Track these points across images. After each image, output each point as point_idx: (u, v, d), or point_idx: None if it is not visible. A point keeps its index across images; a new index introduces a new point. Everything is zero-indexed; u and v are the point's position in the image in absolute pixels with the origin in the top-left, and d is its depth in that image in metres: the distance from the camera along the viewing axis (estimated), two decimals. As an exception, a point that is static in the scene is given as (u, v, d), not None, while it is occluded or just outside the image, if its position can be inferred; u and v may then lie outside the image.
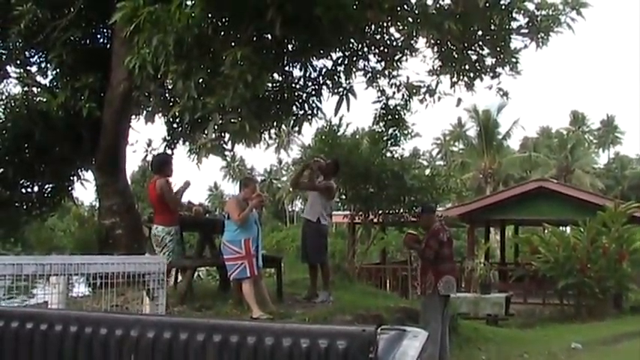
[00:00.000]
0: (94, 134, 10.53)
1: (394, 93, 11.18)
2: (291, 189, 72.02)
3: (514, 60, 9.82)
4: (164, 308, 5.54)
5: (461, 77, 10.27)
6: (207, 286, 12.14)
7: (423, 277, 8.58)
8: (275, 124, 11.15)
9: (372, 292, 13.22)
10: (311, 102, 10.52)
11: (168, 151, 11.53)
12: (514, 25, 9.47)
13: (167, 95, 10.17)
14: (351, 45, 10.14)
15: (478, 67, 10.06)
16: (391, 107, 11.36)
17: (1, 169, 11.24)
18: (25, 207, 11.92)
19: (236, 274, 8.24)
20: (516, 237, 25.48)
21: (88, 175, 12.15)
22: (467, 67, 10.09)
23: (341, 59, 10.22)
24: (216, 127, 8.64)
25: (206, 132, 9.00)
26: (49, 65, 10.73)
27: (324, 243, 10.12)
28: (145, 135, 11.99)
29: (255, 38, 8.05)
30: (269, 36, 8.18)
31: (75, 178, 12.19)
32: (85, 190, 14.01)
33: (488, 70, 10.09)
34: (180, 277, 9.86)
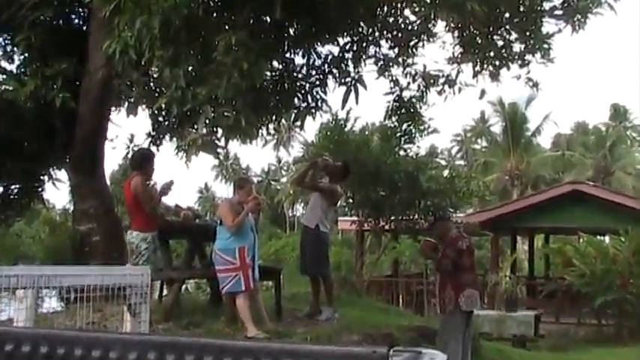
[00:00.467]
0: (68, 128, 10.52)
1: (409, 83, 11.18)
2: (291, 190, 71.96)
3: (546, 46, 9.80)
4: (147, 326, 5.54)
5: (485, 66, 10.27)
6: (197, 300, 12.11)
7: (442, 292, 8.55)
8: (274, 118, 11.14)
9: (383, 308, 13.19)
10: (315, 93, 10.53)
11: (153, 148, 11.52)
12: (546, 5, 9.46)
13: (152, 85, 10.19)
14: (360, 29, 10.15)
15: (505, 54, 10.06)
16: (405, 99, 11.35)
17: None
18: (-13, 210, 11.94)
19: (229, 287, 8.23)
20: (547, 247, 25.44)
21: (61, 174, 12.15)
22: (492, 54, 10.09)
23: (349, 45, 10.23)
24: (207, 121, 8.64)
25: (196, 126, 9.01)
26: (15, 49, 10.74)
27: (324, 253, 10.07)
28: (127, 130, 12.13)
29: (252, 21, 8.06)
30: (268, 19, 8.20)
31: (46, 177, 12.20)
32: (58, 192, 14.02)
33: (517, 57, 10.09)
34: (165, 291, 9.84)
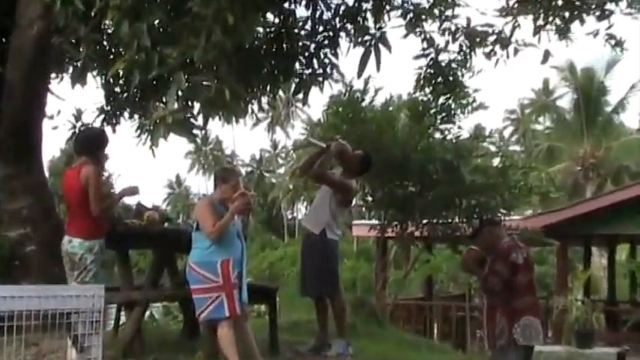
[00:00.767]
0: (-8, 101, 10.52)
1: (447, 43, 11.16)
2: (290, 184, 72.16)
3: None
4: (99, 365, 5.54)
5: (550, 19, 10.23)
6: (166, 330, 12.16)
7: (491, 321, 8.51)
8: (268, 88, 11.13)
9: (412, 341, 13.22)
10: (322, 56, 10.51)
11: (107, 129, 11.51)
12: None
13: (105, 44, 10.16)
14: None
15: (577, 3, 10.01)
16: (443, 64, 11.33)
17: None
18: None
19: (208, 312, 8.22)
20: (633, 261, 25.39)
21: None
22: (559, 2, 10.05)
23: (368, -9, 10.23)
24: (180, 92, 8.63)
25: (165, 100, 8.98)
26: None
27: (332, 266, 10.08)
28: (72, 103, 12.00)
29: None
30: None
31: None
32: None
33: (593, 7, 10.04)
34: (124, 318, 9.86)
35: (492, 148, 19.92)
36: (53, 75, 11.21)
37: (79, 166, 8.36)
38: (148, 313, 11.07)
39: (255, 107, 11.38)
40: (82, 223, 8.26)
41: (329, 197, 9.87)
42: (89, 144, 8.65)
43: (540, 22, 10.25)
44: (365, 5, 10.20)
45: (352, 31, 10.25)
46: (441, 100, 14.81)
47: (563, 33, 10.33)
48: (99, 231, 8.28)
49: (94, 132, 9.49)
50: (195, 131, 9.21)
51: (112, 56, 9.80)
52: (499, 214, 10.67)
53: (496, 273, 8.32)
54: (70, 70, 11.13)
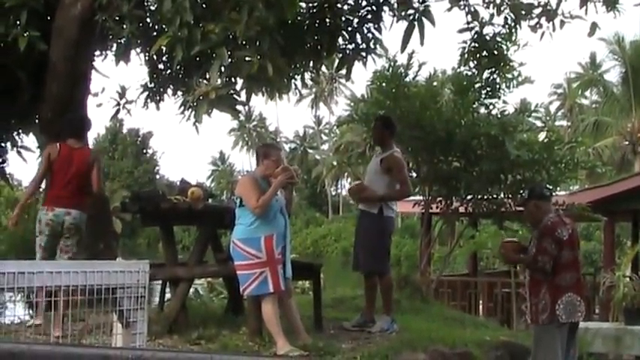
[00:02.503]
0: (36, 79, 10.61)
1: (492, 16, 11.07)
2: (334, 161, 72.22)
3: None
4: (145, 340, 5.59)
5: (597, -10, 10.12)
6: (210, 306, 12.22)
7: (534, 296, 8.47)
8: (311, 64, 11.11)
9: (457, 317, 13.18)
10: (365, 31, 10.47)
11: (152, 105, 11.58)
12: None
13: (148, 21, 10.20)
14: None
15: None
16: (487, 38, 11.26)
17: None
18: None
19: (253, 288, 8.26)
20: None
21: (29, 140, 12.24)
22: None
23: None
24: (222, 68, 8.65)
25: (208, 76, 9.01)
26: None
27: (387, 244, 10.14)
28: (116, 81, 12.11)
29: None
30: None
31: (8, 145, 12.32)
32: (25, 164, 14.12)
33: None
34: (169, 294, 9.93)
35: (538, 123, 19.78)
36: (97, 53, 11.29)
37: (85, 149, 9.30)
38: (192, 289, 11.12)
39: (299, 83, 11.40)
40: (82, 199, 9.11)
41: (382, 176, 9.86)
42: (82, 127, 9.63)
43: (587, -7, 10.14)
44: (408, -21, 10.14)
45: (395, 5, 10.21)
46: (486, 74, 14.69)
47: (610, 4, 10.21)
48: (88, 206, 9.17)
49: (80, 116, 9.88)
50: (238, 107, 9.24)
51: (154, 33, 9.84)
52: (547, 188, 10.55)
53: (545, 251, 8.24)
54: (114, 47, 11.18)
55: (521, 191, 15.55)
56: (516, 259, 9.01)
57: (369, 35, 10.52)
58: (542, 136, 18.13)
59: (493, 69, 13.56)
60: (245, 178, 9.18)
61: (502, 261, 11.10)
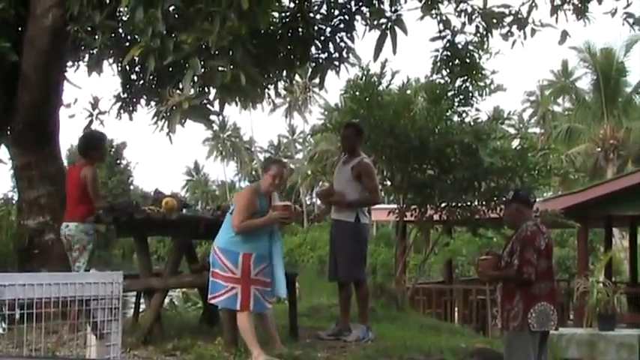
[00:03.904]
0: (8, 89, 10.55)
1: (464, 25, 11.12)
2: (309, 169, 72.15)
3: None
4: (119, 352, 5.57)
5: (567, -1, 10.19)
6: (185, 317, 12.19)
7: (507, 303, 8.47)
8: (284, 73, 11.11)
9: (432, 324, 13.21)
10: (338, 40, 10.49)
11: (124, 115, 11.55)
12: None
13: (121, 31, 10.18)
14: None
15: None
16: (460, 46, 11.29)
17: None
18: None
19: (221, 300, 8.23)
20: (654, 242, 25.28)
21: (1, 152, 12.19)
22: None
23: (383, -27, 10.19)
24: (195, 78, 8.64)
25: (181, 86, 8.99)
26: None
27: (364, 251, 10.15)
28: (88, 91, 12.07)
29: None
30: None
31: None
32: (-4, 176, 14.07)
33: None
34: (143, 305, 9.89)
35: (511, 131, 19.95)
36: (69, 63, 11.24)
37: (80, 166, 9.31)
38: (167, 299, 11.08)
39: (272, 92, 11.40)
40: (76, 210, 9.14)
41: (354, 183, 9.87)
42: (84, 146, 9.49)
43: (557, 1, 10.20)
44: (380, -12, 10.18)
45: (368, 14, 10.23)
46: (459, 82, 14.72)
47: (580, 13, 10.28)
48: (90, 216, 9.11)
49: (89, 135, 9.93)
50: (211, 117, 9.24)
51: (127, 43, 9.83)
52: (533, 195, 10.50)
53: (529, 262, 8.22)
54: (86, 58, 11.16)
55: (495, 198, 15.61)
56: (496, 276, 8.88)
57: (342, 44, 10.54)
58: (515, 143, 18.21)
59: (466, 77, 13.59)
60: (247, 190, 9.22)
61: (481, 279, 10.98)
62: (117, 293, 5.55)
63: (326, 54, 10.53)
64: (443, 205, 16.55)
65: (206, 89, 9.17)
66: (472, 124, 16.23)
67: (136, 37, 8.72)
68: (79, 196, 9.14)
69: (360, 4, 10.29)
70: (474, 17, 10.97)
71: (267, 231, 8.36)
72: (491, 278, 9.11)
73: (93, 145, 9.49)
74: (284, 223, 8.65)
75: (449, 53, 11.31)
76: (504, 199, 9.55)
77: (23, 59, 10.15)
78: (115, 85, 11.69)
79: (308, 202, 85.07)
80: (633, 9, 10.17)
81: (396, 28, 9.73)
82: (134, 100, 11.64)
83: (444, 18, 11.02)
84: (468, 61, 11.47)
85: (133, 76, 11.56)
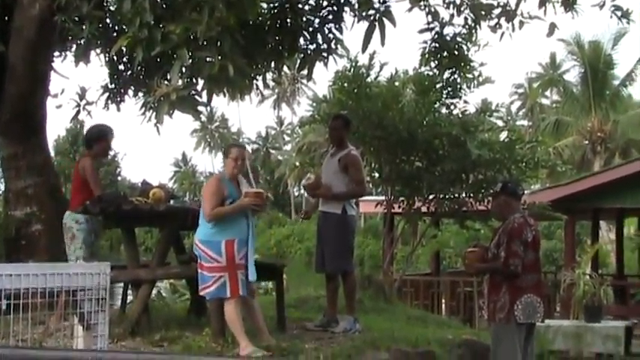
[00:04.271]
0: (-5, 80, 10.52)
1: (452, 16, 11.11)
2: (297, 161, 72.26)
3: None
4: (106, 342, 5.56)
5: (556, -9, 10.19)
6: (173, 308, 12.19)
7: (494, 295, 8.49)
8: (273, 64, 11.09)
9: (420, 316, 13.24)
10: (326, 31, 10.47)
11: (112, 106, 11.52)
12: None
13: (109, 21, 10.15)
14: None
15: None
16: (448, 38, 11.29)
17: None
18: None
19: (211, 291, 8.24)
20: (641, 235, 25.38)
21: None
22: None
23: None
24: (183, 69, 8.62)
25: (169, 77, 8.97)
26: None
27: (351, 242, 10.17)
28: (76, 82, 12.01)
29: None
30: None
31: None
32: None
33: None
34: (131, 296, 9.88)
35: (499, 123, 19.87)
36: (56, 53, 11.21)
37: (79, 159, 9.57)
38: (154, 291, 11.08)
39: (260, 84, 11.38)
40: (73, 199, 9.20)
41: (341, 175, 9.87)
42: (87, 138, 9.59)
43: (546, -7, 10.21)
44: (369, -21, 10.14)
45: (356, 5, 10.20)
46: (447, 74, 14.75)
47: (569, 5, 10.28)
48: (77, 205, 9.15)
49: (94, 127, 9.86)
50: (199, 108, 9.20)
51: (115, 34, 9.80)
52: (520, 185, 10.52)
53: (516, 254, 8.25)
54: (74, 48, 11.12)
55: (483, 190, 15.63)
56: (483, 268, 8.90)
57: (330, 35, 10.52)
58: (503, 135, 18.28)
59: (454, 69, 13.60)
60: (211, 180, 9.20)
61: (468, 271, 10.98)
62: (104, 284, 5.54)
63: (314, 45, 10.50)
64: (431, 197, 16.59)
65: (194, 80, 9.15)
66: (460, 116, 16.26)
67: (124, 27, 8.70)
68: (76, 186, 9.17)
69: (349, -6, 10.28)
70: (462, 9, 10.96)
71: (243, 216, 8.37)
72: (478, 270, 9.14)
73: (96, 137, 9.45)
74: (256, 210, 8.64)
75: (437, 45, 11.30)
76: (492, 191, 9.51)
77: (10, 50, 10.12)
78: (102, 76, 11.64)
79: (296, 194, 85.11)
80: (621, 1, 10.19)
81: (385, 19, 9.72)
82: (122, 90, 11.60)
83: (432, 10, 11.00)
84: (456, 53, 11.47)
85: (121, 67, 11.53)
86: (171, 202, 9.98)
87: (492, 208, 9.12)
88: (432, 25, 11.14)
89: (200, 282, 8.33)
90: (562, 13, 10.38)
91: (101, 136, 9.43)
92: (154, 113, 9.39)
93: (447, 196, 16.58)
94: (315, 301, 12.30)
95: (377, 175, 16.87)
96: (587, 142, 48.06)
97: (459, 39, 11.34)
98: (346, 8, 10.38)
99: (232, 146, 9.00)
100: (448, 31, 11.24)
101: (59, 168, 11.85)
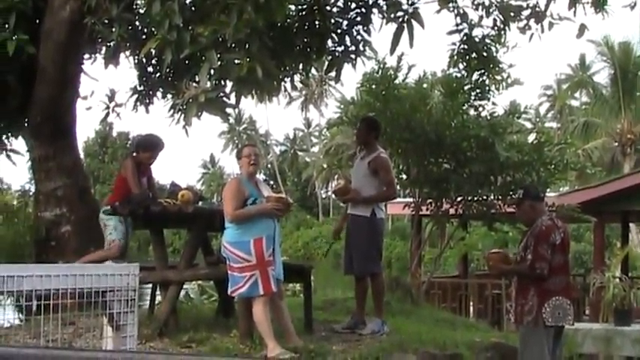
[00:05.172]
0: (25, 82, 10.58)
1: (481, 18, 11.09)
2: (324, 163, 72.24)
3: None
4: (135, 343, 5.58)
5: (586, -8, 10.15)
6: (201, 309, 12.20)
7: (521, 297, 8.46)
8: (301, 66, 11.11)
9: (447, 319, 13.19)
10: (355, 33, 10.47)
11: (141, 108, 11.56)
12: None
13: (138, 24, 10.19)
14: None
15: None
16: (477, 40, 11.26)
17: None
18: None
19: (243, 291, 8.24)
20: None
21: (18, 143, 12.23)
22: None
23: (400, -33, 10.17)
24: (212, 71, 8.64)
25: (197, 79, 9.00)
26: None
27: (379, 245, 10.17)
28: (105, 84, 12.09)
29: None
30: None
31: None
32: (14, 167, 14.11)
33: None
34: (159, 297, 9.91)
35: (528, 125, 19.90)
36: (86, 56, 11.26)
37: (124, 158, 10.07)
38: (182, 292, 11.10)
39: (288, 85, 11.39)
40: (112, 196, 9.61)
41: (371, 178, 9.87)
42: (135, 143, 10.07)
43: (576, -5, 10.17)
44: (397, -19, 10.14)
45: (385, 7, 10.20)
46: (475, 76, 14.67)
47: (599, 6, 10.23)
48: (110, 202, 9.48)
49: (145, 136, 10.06)
50: (227, 110, 9.24)
51: (144, 36, 9.83)
52: (540, 189, 10.49)
53: (543, 257, 8.21)
54: (103, 50, 11.18)
55: (511, 192, 15.56)
56: (507, 270, 8.88)
57: (359, 37, 10.52)
58: (531, 137, 18.17)
59: (482, 71, 13.53)
60: (230, 182, 9.19)
61: (492, 273, 10.95)
62: (133, 285, 5.56)
63: (342, 47, 10.51)
64: (459, 199, 16.52)
65: (222, 82, 9.18)
66: (488, 118, 16.20)
67: (153, 29, 8.73)
68: (116, 185, 9.63)
69: (377, -3, 10.29)
70: (491, 10, 10.94)
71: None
72: (502, 272, 9.14)
73: (143, 146, 9.69)
74: (277, 215, 8.64)
75: (466, 47, 11.28)
76: (515, 198, 9.48)
77: (40, 52, 10.18)
78: (131, 78, 11.71)
79: (323, 196, 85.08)
80: (653, 2, 10.13)
81: (413, 21, 9.71)
82: (150, 92, 11.64)
83: (461, 11, 10.99)
84: (484, 54, 11.44)
85: (150, 69, 11.56)
86: (200, 203, 10.00)
87: (518, 214, 9.08)
88: (460, 27, 11.12)
89: (231, 284, 8.32)
90: (592, 14, 10.34)
91: (148, 146, 9.67)
92: (183, 115, 9.44)
93: (475, 198, 16.51)
94: (343, 303, 12.29)
95: (405, 177, 16.83)
96: (616, 143, 47.76)
97: (487, 40, 11.31)
98: (374, 10, 10.39)
99: (243, 146, 9.05)
100: (477, 32, 11.23)
101: (88, 170, 11.85)
